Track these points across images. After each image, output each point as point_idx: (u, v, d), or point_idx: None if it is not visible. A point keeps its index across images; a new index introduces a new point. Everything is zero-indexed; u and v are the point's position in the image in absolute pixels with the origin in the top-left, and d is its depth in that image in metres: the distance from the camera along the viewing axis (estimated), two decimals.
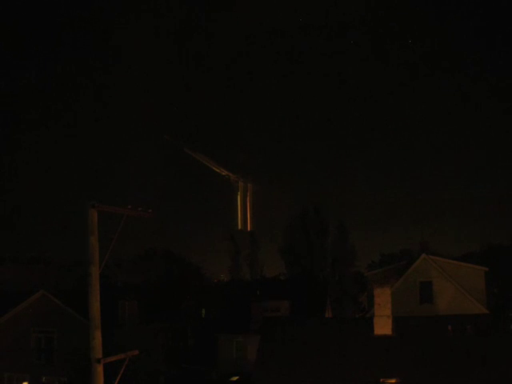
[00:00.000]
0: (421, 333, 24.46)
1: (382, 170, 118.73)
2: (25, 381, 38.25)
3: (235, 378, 37.67)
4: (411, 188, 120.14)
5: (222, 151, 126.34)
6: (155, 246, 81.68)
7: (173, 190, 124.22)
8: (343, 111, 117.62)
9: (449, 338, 23.99)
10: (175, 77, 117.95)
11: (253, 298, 47.29)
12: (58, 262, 71.80)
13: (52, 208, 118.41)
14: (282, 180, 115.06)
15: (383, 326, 24.59)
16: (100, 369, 12.47)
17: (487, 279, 36.00)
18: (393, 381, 21.89)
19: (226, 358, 44.30)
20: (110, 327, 29.37)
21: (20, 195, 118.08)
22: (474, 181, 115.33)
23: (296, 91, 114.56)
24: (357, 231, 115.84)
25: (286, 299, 47.94)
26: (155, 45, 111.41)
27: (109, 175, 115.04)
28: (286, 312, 46.02)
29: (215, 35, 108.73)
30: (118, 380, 13.46)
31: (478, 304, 33.07)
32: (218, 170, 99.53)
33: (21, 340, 38.36)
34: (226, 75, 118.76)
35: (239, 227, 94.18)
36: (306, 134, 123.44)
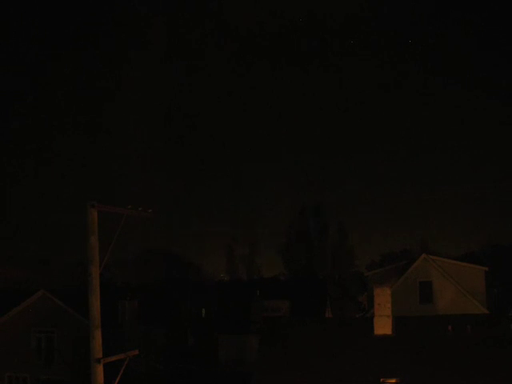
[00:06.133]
0: (421, 333, 24.46)
1: (383, 170, 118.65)
2: (25, 380, 38.28)
3: None
4: (411, 188, 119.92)
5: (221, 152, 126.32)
6: (155, 245, 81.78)
7: (172, 189, 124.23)
8: (343, 111, 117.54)
9: (449, 337, 24.00)
10: (175, 76, 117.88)
11: (252, 297, 47.32)
12: (59, 262, 71.87)
13: (52, 208, 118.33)
14: (282, 179, 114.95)
15: (383, 326, 24.59)
16: (100, 369, 12.48)
17: (487, 279, 36.03)
18: (393, 381, 21.89)
19: (225, 358, 44.31)
20: (110, 327, 29.35)
21: (19, 195, 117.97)
22: (474, 181, 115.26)
23: (296, 91, 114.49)
24: (357, 231, 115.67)
25: (286, 299, 47.97)
26: (152, 45, 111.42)
27: (109, 175, 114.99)
28: (286, 312, 46.04)
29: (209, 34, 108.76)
30: (118, 380, 13.47)
31: (478, 304, 33.10)
32: None
33: (21, 340, 38.37)
34: (224, 74, 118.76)
35: None
36: (306, 133, 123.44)
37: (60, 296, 38.66)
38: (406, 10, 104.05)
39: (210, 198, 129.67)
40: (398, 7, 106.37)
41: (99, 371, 12.48)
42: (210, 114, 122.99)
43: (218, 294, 52.25)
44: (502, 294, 54.68)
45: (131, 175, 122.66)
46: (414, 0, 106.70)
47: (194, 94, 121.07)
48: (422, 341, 23.90)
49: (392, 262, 49.00)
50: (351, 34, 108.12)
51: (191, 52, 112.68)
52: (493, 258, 58.66)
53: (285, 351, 24.87)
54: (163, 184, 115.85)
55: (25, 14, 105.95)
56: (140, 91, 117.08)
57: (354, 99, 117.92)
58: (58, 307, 37.97)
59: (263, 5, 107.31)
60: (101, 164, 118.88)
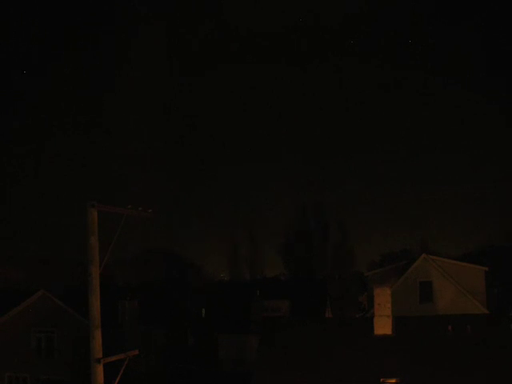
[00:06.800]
0: (421, 333, 24.45)
1: (383, 170, 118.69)
2: (25, 381, 38.29)
3: None
4: (411, 188, 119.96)
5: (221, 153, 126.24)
6: (155, 245, 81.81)
7: (172, 189, 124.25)
8: (343, 111, 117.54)
9: (449, 337, 24.00)
10: (174, 76, 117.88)
11: (253, 297, 47.35)
12: (59, 262, 71.84)
13: (52, 208, 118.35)
14: (282, 179, 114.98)
15: (383, 326, 24.59)
16: (100, 369, 12.48)
17: (487, 279, 36.02)
18: (393, 381, 21.89)
19: (225, 357, 44.33)
20: (110, 327, 29.37)
21: (19, 195, 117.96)
22: (474, 181, 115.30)
23: (296, 91, 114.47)
24: (357, 231, 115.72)
25: (286, 299, 48.02)
26: (151, 45, 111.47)
27: (109, 175, 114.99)
28: (286, 312, 46.10)
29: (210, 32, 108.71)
30: (118, 380, 13.47)
31: (478, 304, 33.08)
32: None
33: (21, 340, 38.37)
34: (224, 74, 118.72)
35: None
36: (306, 133, 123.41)
37: (60, 296, 38.68)
38: (406, 10, 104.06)
39: (210, 198, 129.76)
40: (397, 7, 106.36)
41: (99, 371, 12.48)
42: (209, 113, 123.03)
43: (217, 294, 52.29)
44: (502, 293, 54.67)
45: (131, 175, 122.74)
46: (413, 0, 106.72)
47: (193, 93, 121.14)
48: (422, 341, 23.90)
49: (392, 262, 49.02)
50: (351, 34, 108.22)
51: (191, 52, 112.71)
52: (493, 257, 58.66)
53: (285, 351, 24.86)
54: (163, 184, 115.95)
55: (25, 13, 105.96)
56: (140, 91, 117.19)
57: (354, 99, 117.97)
58: (58, 307, 37.97)
59: (263, 5, 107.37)
60: (101, 164, 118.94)
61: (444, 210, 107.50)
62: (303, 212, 73.15)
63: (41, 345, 38.72)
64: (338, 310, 56.19)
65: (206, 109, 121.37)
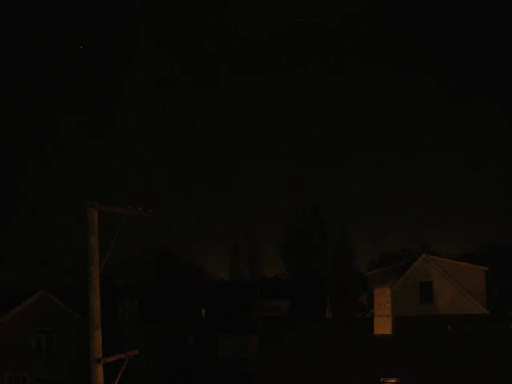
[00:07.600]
0: (421, 333, 24.45)
1: (383, 170, 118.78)
2: (25, 381, 38.27)
3: None
4: (411, 188, 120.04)
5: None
6: (155, 245, 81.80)
7: (172, 189, 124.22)
8: (343, 111, 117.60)
9: (449, 337, 23.99)
10: (174, 75, 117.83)
11: (253, 297, 47.34)
12: (59, 262, 71.83)
13: (52, 208, 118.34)
14: (282, 179, 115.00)
15: (383, 326, 24.58)
16: (100, 369, 12.48)
17: (487, 279, 36.01)
18: (393, 381, 21.89)
19: (225, 357, 44.30)
20: (110, 327, 29.36)
21: (20, 195, 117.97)
22: (474, 181, 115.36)
23: (296, 91, 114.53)
24: (357, 231, 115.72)
25: (286, 299, 48.02)
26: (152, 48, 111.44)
27: (109, 175, 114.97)
28: (286, 312, 46.08)
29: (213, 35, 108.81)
30: (118, 380, 13.47)
31: (478, 304, 33.07)
32: None
33: (21, 340, 38.35)
34: (224, 74, 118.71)
35: None
36: (306, 133, 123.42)
37: (60, 296, 38.65)
38: (406, 10, 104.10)
39: (210, 197, 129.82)
40: (397, 7, 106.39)
41: (99, 371, 12.47)
42: (210, 113, 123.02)
43: (217, 294, 52.27)
44: (502, 293, 54.68)
45: (131, 175, 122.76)
46: (413, 0, 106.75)
47: (193, 93, 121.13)
48: (422, 341, 23.89)
49: (392, 262, 48.99)
50: (351, 34, 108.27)
51: (191, 52, 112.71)
52: (493, 257, 58.68)
53: (285, 351, 24.85)
54: (163, 184, 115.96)
55: (25, 13, 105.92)
56: (140, 91, 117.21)
57: (354, 99, 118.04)
58: (58, 307, 37.94)
59: (263, 5, 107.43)
60: (101, 164, 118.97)
61: (444, 210, 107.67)
62: (303, 212, 73.16)
63: (41, 345, 38.69)
64: (337, 310, 56.16)
65: (206, 109, 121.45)
